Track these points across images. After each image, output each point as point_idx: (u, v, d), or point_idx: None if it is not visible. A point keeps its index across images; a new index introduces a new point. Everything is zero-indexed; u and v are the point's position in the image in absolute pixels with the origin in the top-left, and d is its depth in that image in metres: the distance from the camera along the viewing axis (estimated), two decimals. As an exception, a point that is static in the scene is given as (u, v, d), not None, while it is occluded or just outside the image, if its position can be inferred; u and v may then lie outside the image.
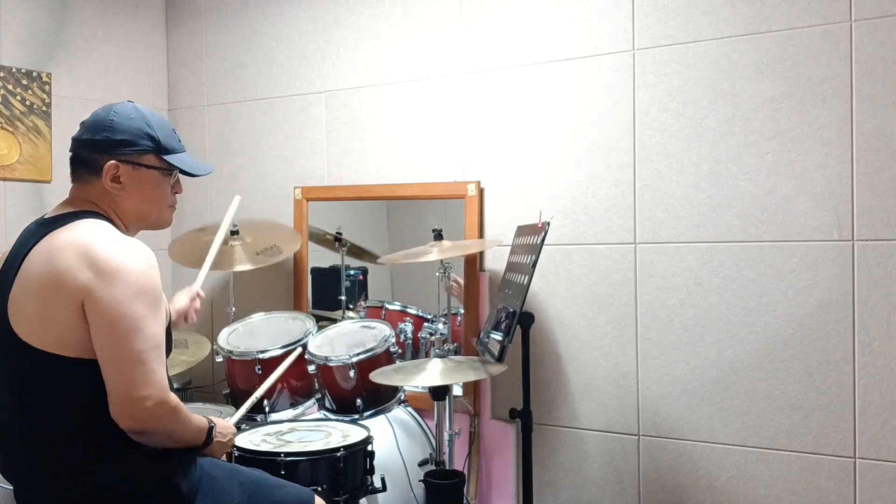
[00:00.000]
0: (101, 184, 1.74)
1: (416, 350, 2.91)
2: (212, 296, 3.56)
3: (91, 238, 1.63)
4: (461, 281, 2.86)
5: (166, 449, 1.72)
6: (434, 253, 2.56)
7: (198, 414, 1.80)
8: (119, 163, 1.73)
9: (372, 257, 3.14)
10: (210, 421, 1.81)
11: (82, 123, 1.79)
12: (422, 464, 2.61)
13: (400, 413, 2.78)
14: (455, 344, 2.75)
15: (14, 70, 3.06)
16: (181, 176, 1.86)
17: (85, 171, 1.76)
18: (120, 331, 1.56)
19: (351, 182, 3.17)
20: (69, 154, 1.80)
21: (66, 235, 1.64)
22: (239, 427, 2.25)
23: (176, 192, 1.86)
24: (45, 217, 1.74)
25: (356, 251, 3.19)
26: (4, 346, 1.64)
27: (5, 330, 1.63)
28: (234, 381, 2.80)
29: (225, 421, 1.92)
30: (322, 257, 3.26)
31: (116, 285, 1.57)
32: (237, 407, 2.75)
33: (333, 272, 3.21)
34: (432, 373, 2.31)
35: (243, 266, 3.00)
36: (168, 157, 1.79)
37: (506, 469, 2.81)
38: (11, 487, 1.72)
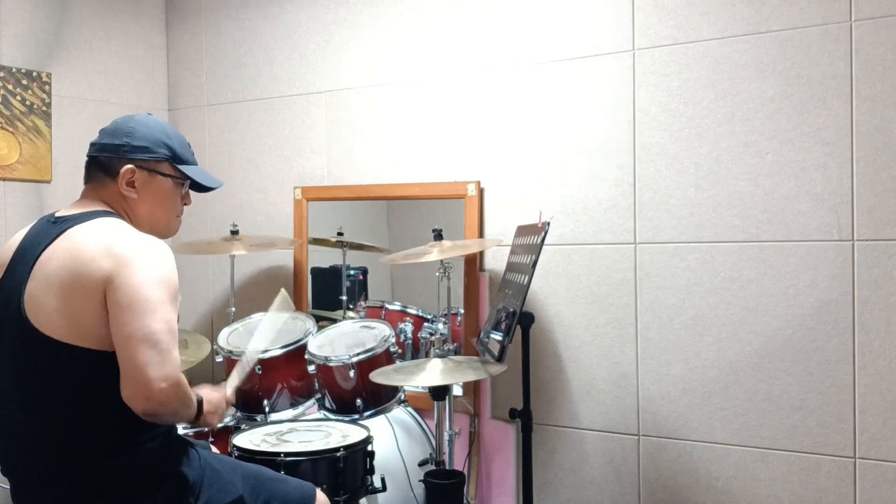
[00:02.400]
0: (117, 187, 1.80)
1: (416, 350, 2.91)
2: (212, 296, 3.56)
3: (112, 233, 1.69)
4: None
5: (171, 441, 1.76)
6: (434, 253, 2.56)
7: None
8: (136, 168, 1.80)
9: (377, 251, 3.13)
10: (197, 395, 1.76)
11: (102, 130, 1.86)
12: (422, 464, 2.61)
13: (400, 413, 2.78)
14: (455, 344, 2.74)
15: (14, 70, 3.06)
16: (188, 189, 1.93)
17: (101, 173, 1.81)
18: (138, 311, 1.59)
19: (351, 182, 3.17)
20: (86, 157, 1.86)
21: (86, 232, 1.68)
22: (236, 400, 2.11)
23: (185, 204, 1.93)
24: (57, 215, 1.77)
25: (358, 247, 3.20)
26: (21, 340, 1.66)
27: (22, 323, 1.65)
28: (234, 381, 2.80)
29: (215, 392, 1.86)
30: (322, 257, 3.26)
31: (137, 273, 1.62)
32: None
33: (333, 272, 3.21)
34: (432, 373, 2.31)
35: (239, 251, 3.01)
36: (182, 168, 1.87)
37: (506, 469, 2.81)
38: (8, 487, 1.72)
